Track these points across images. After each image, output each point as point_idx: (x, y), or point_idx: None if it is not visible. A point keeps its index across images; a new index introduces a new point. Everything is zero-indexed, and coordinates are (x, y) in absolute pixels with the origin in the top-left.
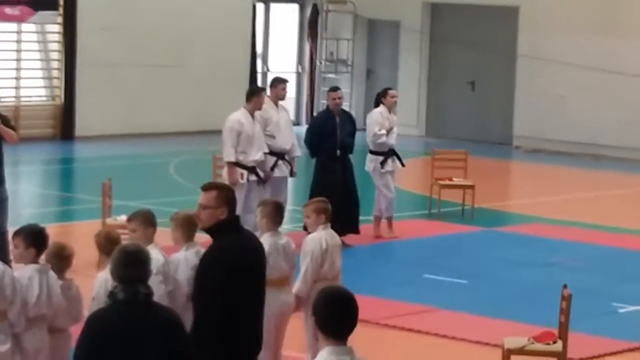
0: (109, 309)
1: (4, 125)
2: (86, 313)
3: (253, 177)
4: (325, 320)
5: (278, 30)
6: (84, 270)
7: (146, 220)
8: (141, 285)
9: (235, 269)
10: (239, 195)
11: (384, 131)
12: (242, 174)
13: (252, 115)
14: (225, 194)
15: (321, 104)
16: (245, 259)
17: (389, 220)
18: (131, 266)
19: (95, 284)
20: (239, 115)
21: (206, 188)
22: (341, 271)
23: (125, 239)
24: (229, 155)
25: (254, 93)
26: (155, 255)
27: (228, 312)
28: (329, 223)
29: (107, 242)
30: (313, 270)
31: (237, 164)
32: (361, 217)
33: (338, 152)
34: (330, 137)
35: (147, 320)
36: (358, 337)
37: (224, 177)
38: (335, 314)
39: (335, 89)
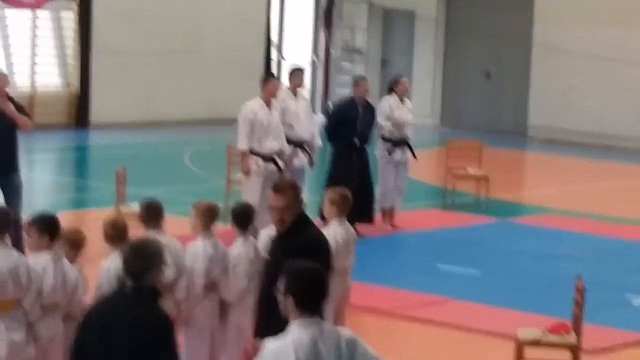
0: (103, 298)
1: (20, 110)
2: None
3: (271, 167)
4: (298, 296)
5: (293, 18)
6: (98, 258)
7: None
8: (132, 278)
9: (320, 261)
10: (254, 185)
11: (388, 123)
12: (258, 164)
13: (268, 104)
14: (298, 190)
15: (336, 92)
16: (325, 250)
17: (384, 210)
18: (130, 259)
19: (99, 273)
20: (253, 104)
21: (283, 189)
22: (354, 262)
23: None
24: (242, 144)
25: (266, 80)
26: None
27: None
28: (345, 216)
29: (113, 230)
30: None
31: (252, 152)
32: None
33: (357, 141)
34: (351, 126)
35: (123, 314)
36: (371, 327)
37: (239, 166)
38: (309, 289)
39: (362, 77)
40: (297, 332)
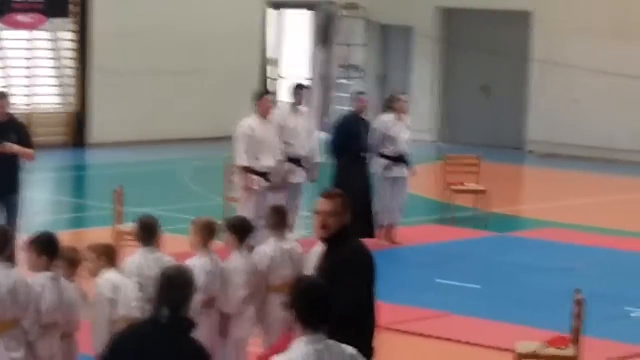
0: (134, 326)
1: (25, 138)
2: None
3: (266, 183)
4: (302, 312)
5: (291, 36)
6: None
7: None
8: (168, 309)
9: (364, 272)
10: (252, 201)
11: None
12: (254, 180)
13: (264, 120)
14: (348, 200)
15: (335, 109)
16: (369, 262)
17: (383, 227)
18: (167, 289)
19: (96, 286)
20: (250, 121)
21: (332, 196)
22: None
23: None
24: (241, 161)
25: (258, 97)
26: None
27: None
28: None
29: (102, 255)
30: None
31: (249, 169)
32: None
33: (362, 154)
34: (357, 140)
35: (162, 345)
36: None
37: (237, 182)
38: (313, 306)
39: (360, 93)
40: (303, 348)
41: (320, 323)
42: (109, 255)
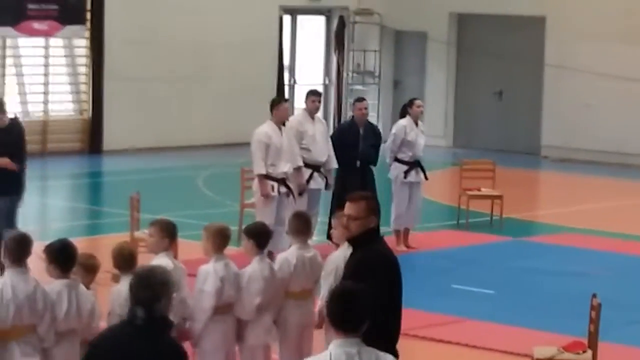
0: (112, 329)
1: (17, 144)
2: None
3: (283, 189)
4: (334, 316)
5: (305, 42)
6: (110, 283)
7: (164, 229)
8: (143, 309)
9: (383, 276)
10: (271, 208)
11: (400, 146)
12: (272, 187)
13: (279, 127)
14: (373, 204)
15: (349, 115)
16: (392, 266)
17: (398, 232)
18: (137, 288)
19: (110, 298)
20: (266, 128)
21: (355, 199)
22: None
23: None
24: (259, 168)
25: (275, 104)
26: (166, 262)
27: (386, 312)
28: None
29: (119, 257)
30: None
31: (267, 176)
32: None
33: (358, 163)
34: (351, 148)
35: (135, 346)
36: None
37: (254, 189)
38: (344, 311)
39: (361, 99)
40: (333, 350)
41: (351, 327)
42: (131, 261)
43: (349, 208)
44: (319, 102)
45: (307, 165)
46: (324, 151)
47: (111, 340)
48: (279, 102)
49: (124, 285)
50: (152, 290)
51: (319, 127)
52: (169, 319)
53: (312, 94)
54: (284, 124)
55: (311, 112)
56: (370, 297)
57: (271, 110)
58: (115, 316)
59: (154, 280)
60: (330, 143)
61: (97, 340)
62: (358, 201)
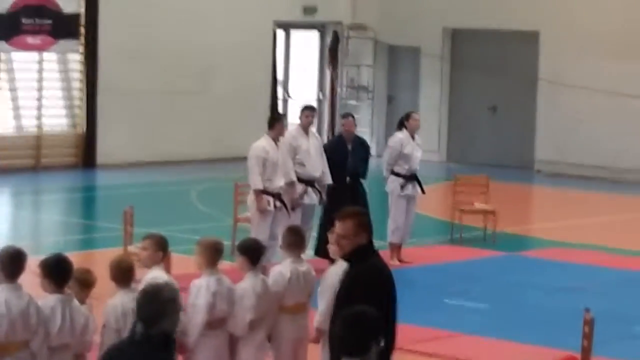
0: (115, 345)
1: None
2: (99, 340)
3: (278, 204)
4: (344, 339)
5: (299, 57)
6: (105, 297)
7: (158, 243)
8: (143, 324)
9: (377, 291)
10: (266, 223)
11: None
12: (268, 201)
13: (276, 142)
14: (363, 220)
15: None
16: (386, 280)
17: (393, 246)
18: (142, 304)
19: (104, 311)
20: (264, 143)
21: (343, 218)
22: None
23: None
24: (257, 183)
25: (275, 120)
26: (161, 275)
27: None
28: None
29: (117, 270)
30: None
31: (264, 191)
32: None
33: (348, 179)
34: (340, 165)
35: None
36: None
37: (250, 204)
38: (352, 334)
39: (346, 115)
40: None
41: (361, 349)
42: (129, 275)
43: (338, 227)
44: (313, 117)
45: (301, 180)
46: (318, 166)
47: (113, 356)
48: (280, 118)
49: (119, 299)
50: (156, 306)
51: (313, 142)
52: (172, 335)
53: (307, 109)
54: (278, 140)
55: (305, 127)
56: (381, 321)
57: (271, 125)
58: (111, 330)
59: (160, 296)
60: (324, 158)
61: (103, 356)
62: (346, 219)
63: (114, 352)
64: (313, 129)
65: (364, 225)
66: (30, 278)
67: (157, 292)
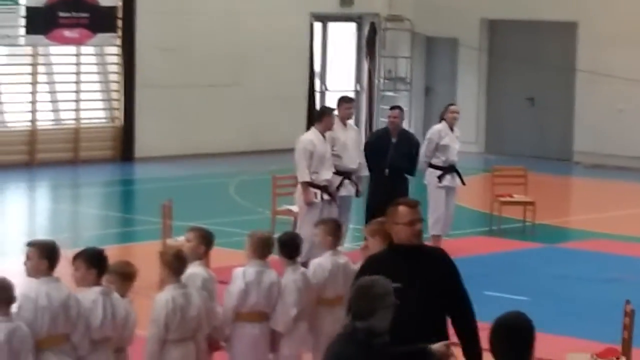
0: (336, 341)
1: None
2: (145, 334)
3: (326, 196)
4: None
5: (336, 49)
6: (145, 291)
7: (203, 237)
8: (363, 322)
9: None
10: (314, 215)
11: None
12: (315, 194)
13: (324, 135)
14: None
15: (380, 122)
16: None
17: (436, 237)
18: (357, 300)
19: (154, 305)
20: (311, 136)
21: (413, 204)
22: None
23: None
24: (304, 176)
25: (324, 113)
26: (200, 271)
27: None
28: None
29: (175, 260)
30: None
31: (311, 183)
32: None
33: (387, 171)
34: (381, 156)
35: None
36: None
37: (297, 196)
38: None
39: (393, 107)
40: None
41: (364, 313)
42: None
43: (416, 213)
44: (352, 108)
45: (337, 172)
46: (354, 158)
47: (334, 350)
48: (330, 112)
49: (169, 294)
50: (366, 302)
51: (350, 134)
52: (376, 330)
53: (345, 101)
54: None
55: (343, 118)
56: (390, 287)
57: (320, 118)
58: (160, 325)
59: (371, 292)
60: (362, 150)
61: (327, 349)
62: (416, 206)
63: (333, 346)
64: (350, 121)
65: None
66: (64, 271)
67: (370, 288)
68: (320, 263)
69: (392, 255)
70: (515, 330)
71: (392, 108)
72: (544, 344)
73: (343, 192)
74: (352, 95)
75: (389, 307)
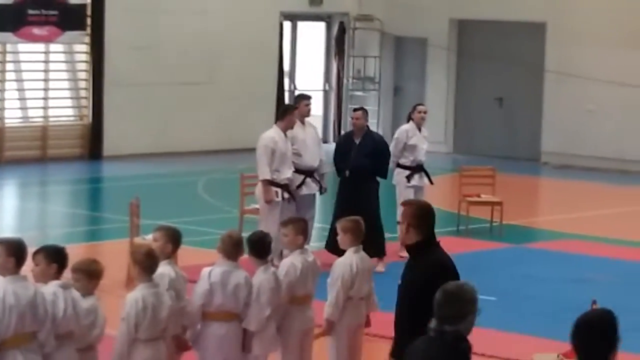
0: (420, 343)
1: None
2: (114, 333)
3: (286, 195)
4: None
5: (305, 48)
6: (113, 289)
7: (170, 236)
8: (452, 325)
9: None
10: (274, 213)
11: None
12: (276, 192)
13: (285, 133)
14: (423, 212)
15: (349, 122)
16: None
17: None
18: (447, 305)
19: (125, 303)
20: (273, 133)
21: (408, 203)
22: (374, 293)
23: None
24: (264, 174)
25: (287, 111)
26: (168, 271)
27: None
28: (361, 245)
29: (147, 259)
30: (344, 295)
31: (271, 182)
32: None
33: (347, 172)
34: (343, 158)
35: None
36: (386, 354)
37: (257, 195)
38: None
39: (356, 109)
40: None
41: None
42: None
43: (403, 214)
44: (310, 105)
45: (298, 170)
46: (315, 156)
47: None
48: (293, 110)
49: (140, 293)
50: (458, 307)
51: (309, 131)
52: (462, 334)
53: (304, 98)
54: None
55: (302, 116)
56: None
57: (283, 116)
58: (130, 324)
59: (464, 297)
60: (321, 147)
61: (410, 349)
62: (411, 205)
63: (419, 349)
64: (309, 119)
65: (424, 218)
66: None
67: (461, 293)
68: (292, 262)
69: None
70: (600, 327)
71: (355, 110)
72: (511, 343)
73: (304, 190)
74: (320, 94)
75: (476, 312)
